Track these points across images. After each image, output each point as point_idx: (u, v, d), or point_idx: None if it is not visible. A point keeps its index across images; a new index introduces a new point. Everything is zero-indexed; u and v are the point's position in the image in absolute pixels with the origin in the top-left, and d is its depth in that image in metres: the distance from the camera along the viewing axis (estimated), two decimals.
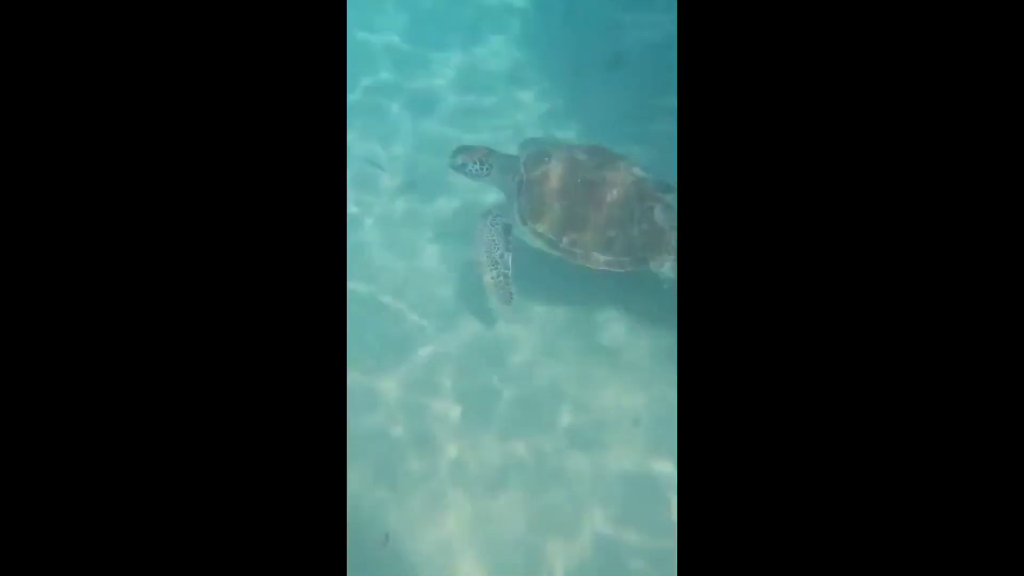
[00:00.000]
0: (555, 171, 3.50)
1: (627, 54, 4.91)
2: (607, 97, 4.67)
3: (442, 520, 3.01)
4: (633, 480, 3.10)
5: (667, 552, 2.77)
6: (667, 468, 3.08)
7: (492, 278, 3.49)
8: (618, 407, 3.32)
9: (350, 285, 3.75)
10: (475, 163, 3.69)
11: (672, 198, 3.43)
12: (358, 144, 4.56)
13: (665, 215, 3.42)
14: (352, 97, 4.86)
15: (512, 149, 3.79)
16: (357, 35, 5.25)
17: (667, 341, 3.43)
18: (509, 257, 3.51)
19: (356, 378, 3.40)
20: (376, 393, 3.41)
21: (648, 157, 3.76)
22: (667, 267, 3.41)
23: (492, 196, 3.91)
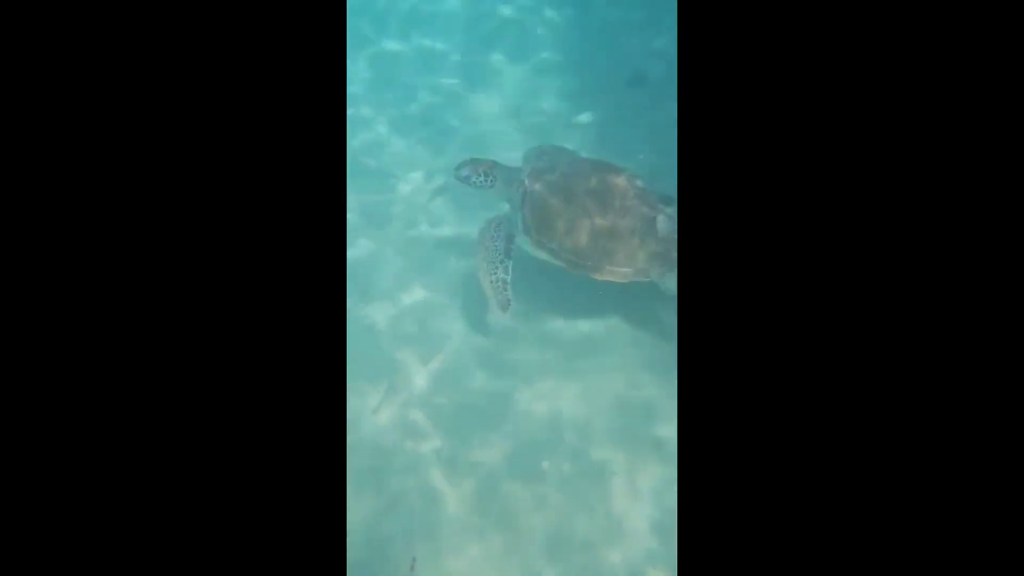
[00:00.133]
0: (558, 183, 3.52)
1: (649, 73, 4.98)
2: (624, 113, 4.74)
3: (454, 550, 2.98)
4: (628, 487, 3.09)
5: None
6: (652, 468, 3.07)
7: (491, 283, 3.50)
8: (623, 428, 3.30)
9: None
10: (479, 175, 3.72)
11: (674, 210, 3.44)
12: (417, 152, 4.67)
13: (667, 226, 3.43)
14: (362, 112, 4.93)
15: (518, 161, 3.83)
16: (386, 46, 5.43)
17: (668, 350, 3.43)
18: (509, 264, 3.53)
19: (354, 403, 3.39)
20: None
21: (653, 169, 3.78)
22: (669, 278, 3.42)
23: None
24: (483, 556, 2.91)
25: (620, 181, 3.53)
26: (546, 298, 3.72)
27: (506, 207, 3.76)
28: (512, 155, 3.98)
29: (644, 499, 3.04)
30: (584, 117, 4.82)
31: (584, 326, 3.65)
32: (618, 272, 3.46)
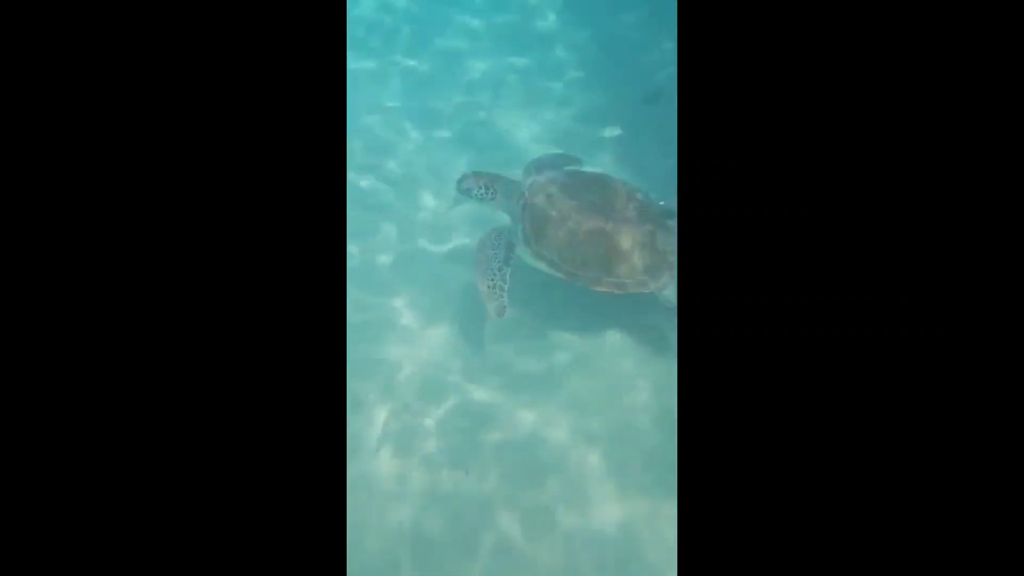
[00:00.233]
0: (558, 195, 3.54)
1: (667, 89, 5.02)
2: (640, 128, 4.82)
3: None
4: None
5: None
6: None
7: (488, 287, 3.52)
8: (621, 437, 3.29)
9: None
10: (480, 188, 3.75)
11: (674, 223, 3.45)
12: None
13: (667, 239, 3.44)
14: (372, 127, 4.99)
15: (519, 174, 3.85)
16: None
17: (668, 362, 3.43)
18: (507, 271, 3.54)
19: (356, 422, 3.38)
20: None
21: (654, 184, 3.80)
22: (668, 291, 3.42)
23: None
24: None
25: (620, 194, 3.55)
26: (545, 309, 3.72)
27: (507, 219, 3.78)
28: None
29: (642, 509, 3.02)
30: (607, 132, 4.90)
31: (583, 338, 3.64)
32: (617, 284, 3.46)
